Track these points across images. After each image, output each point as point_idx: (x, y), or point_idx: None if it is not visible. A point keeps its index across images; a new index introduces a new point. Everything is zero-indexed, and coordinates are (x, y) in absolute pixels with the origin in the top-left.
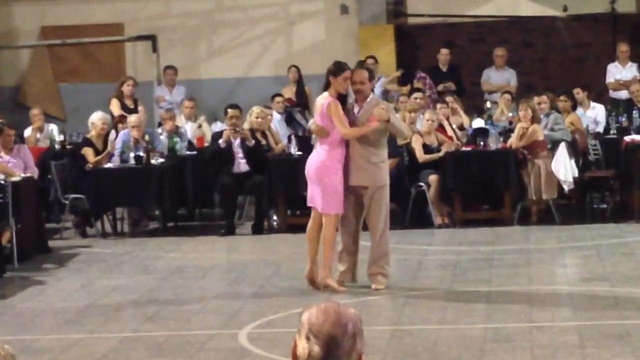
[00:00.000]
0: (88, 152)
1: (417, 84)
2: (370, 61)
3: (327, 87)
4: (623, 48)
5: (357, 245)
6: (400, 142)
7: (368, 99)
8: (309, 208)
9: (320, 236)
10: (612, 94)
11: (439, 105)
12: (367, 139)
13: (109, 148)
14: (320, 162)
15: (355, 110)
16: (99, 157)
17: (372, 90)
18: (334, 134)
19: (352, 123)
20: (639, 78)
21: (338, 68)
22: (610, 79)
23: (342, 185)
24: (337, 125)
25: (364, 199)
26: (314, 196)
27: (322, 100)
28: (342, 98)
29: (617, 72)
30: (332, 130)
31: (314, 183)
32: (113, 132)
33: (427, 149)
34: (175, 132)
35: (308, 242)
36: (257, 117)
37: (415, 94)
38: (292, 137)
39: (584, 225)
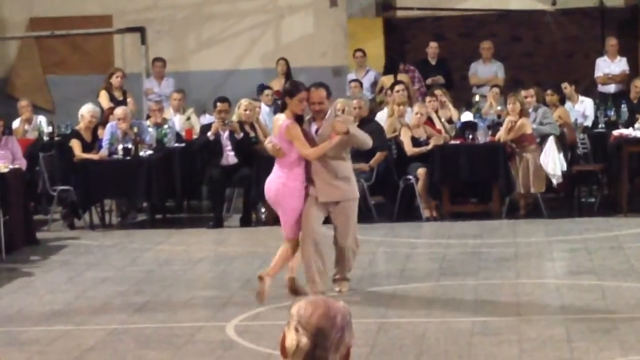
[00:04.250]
0: (75, 144)
1: (402, 77)
2: (359, 54)
3: (283, 108)
4: (612, 42)
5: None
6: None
7: (326, 116)
8: None
9: (297, 245)
10: (601, 88)
11: (427, 99)
12: (329, 154)
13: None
14: (281, 184)
15: (314, 128)
16: (87, 155)
17: (361, 85)
18: (293, 154)
19: (311, 142)
20: (628, 72)
21: (294, 89)
22: (598, 73)
23: (301, 208)
24: (299, 148)
25: (332, 214)
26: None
27: (280, 122)
28: (299, 118)
29: (606, 66)
30: (291, 151)
31: (278, 207)
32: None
33: (415, 142)
34: (164, 124)
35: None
36: (245, 110)
37: (397, 86)
38: None
39: (572, 219)
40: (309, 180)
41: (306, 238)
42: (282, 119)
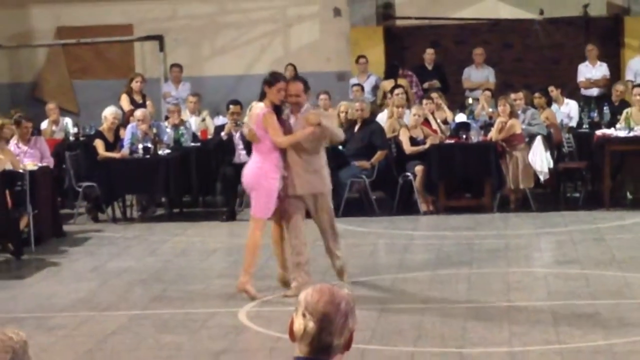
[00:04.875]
0: (99, 143)
1: (401, 81)
2: (361, 60)
3: (262, 96)
4: (590, 48)
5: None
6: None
7: (303, 109)
8: None
9: (283, 238)
10: (584, 91)
11: (424, 101)
12: (302, 147)
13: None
14: (257, 168)
15: (291, 120)
16: (109, 154)
17: (362, 88)
18: (268, 141)
19: (287, 133)
20: (608, 77)
21: (273, 79)
22: (580, 78)
23: (277, 193)
24: (272, 135)
25: (309, 207)
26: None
27: (258, 110)
28: (277, 108)
29: (587, 71)
30: (266, 138)
31: (251, 188)
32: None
33: (413, 141)
34: (181, 125)
35: (273, 247)
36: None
37: (397, 90)
38: None
39: (558, 213)
40: (283, 175)
41: (292, 231)
42: (259, 107)
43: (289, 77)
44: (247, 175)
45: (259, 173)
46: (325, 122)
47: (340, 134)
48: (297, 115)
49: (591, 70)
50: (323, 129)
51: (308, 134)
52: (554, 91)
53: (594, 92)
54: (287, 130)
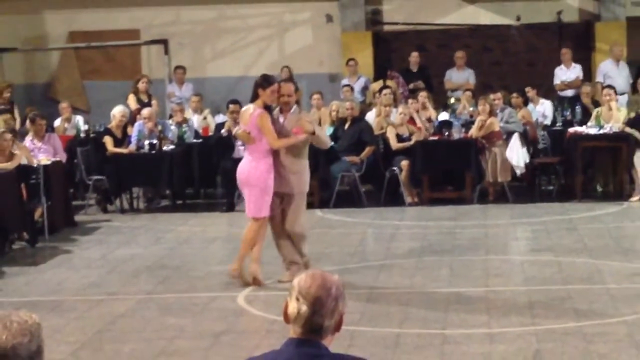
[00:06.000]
0: (108, 140)
1: (390, 82)
2: (351, 63)
3: (254, 98)
4: (564, 51)
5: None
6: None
7: (292, 110)
8: None
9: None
10: (560, 92)
11: (410, 101)
12: (290, 149)
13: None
14: (252, 168)
15: (280, 119)
16: (118, 150)
17: (352, 89)
18: (264, 143)
19: (279, 132)
20: (582, 78)
21: (266, 81)
22: (556, 81)
23: (272, 191)
24: (268, 137)
25: (283, 203)
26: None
27: (251, 111)
28: (267, 108)
29: (562, 74)
30: (261, 139)
31: (247, 188)
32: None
33: (399, 138)
34: (184, 123)
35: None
36: None
37: (385, 90)
38: None
39: (534, 204)
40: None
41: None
42: (252, 108)
43: (284, 79)
44: (242, 173)
45: (254, 173)
46: (318, 130)
47: (328, 143)
48: (286, 115)
49: (566, 73)
50: (315, 137)
51: (302, 140)
52: (530, 91)
53: (568, 93)
54: (277, 129)
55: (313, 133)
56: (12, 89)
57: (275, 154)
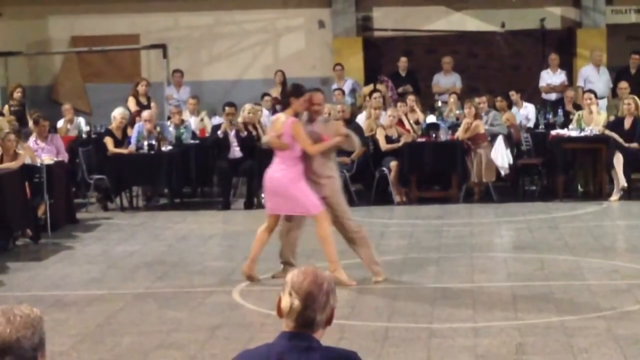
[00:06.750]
0: (109, 140)
1: (379, 86)
2: (337, 67)
3: (286, 106)
4: (552, 57)
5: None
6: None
7: (320, 118)
8: None
9: (267, 240)
10: (544, 95)
11: (399, 104)
12: (320, 155)
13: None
14: (286, 177)
15: (308, 127)
16: (118, 150)
17: (343, 92)
18: (296, 150)
19: (310, 138)
20: (566, 83)
21: (299, 91)
22: (542, 83)
23: (309, 188)
24: (303, 144)
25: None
26: (280, 206)
27: (283, 119)
28: (295, 116)
29: (548, 77)
30: (294, 147)
31: (283, 197)
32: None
33: (388, 139)
34: (182, 124)
35: (255, 242)
36: (249, 113)
37: (375, 94)
38: None
39: (517, 203)
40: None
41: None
42: (283, 117)
43: (278, 82)
44: (272, 180)
45: (288, 181)
46: (350, 133)
47: (359, 144)
48: (313, 123)
49: (552, 77)
50: (347, 139)
51: (335, 143)
52: (514, 95)
53: (552, 96)
54: (310, 136)
55: (347, 135)
56: (23, 90)
57: (306, 161)
